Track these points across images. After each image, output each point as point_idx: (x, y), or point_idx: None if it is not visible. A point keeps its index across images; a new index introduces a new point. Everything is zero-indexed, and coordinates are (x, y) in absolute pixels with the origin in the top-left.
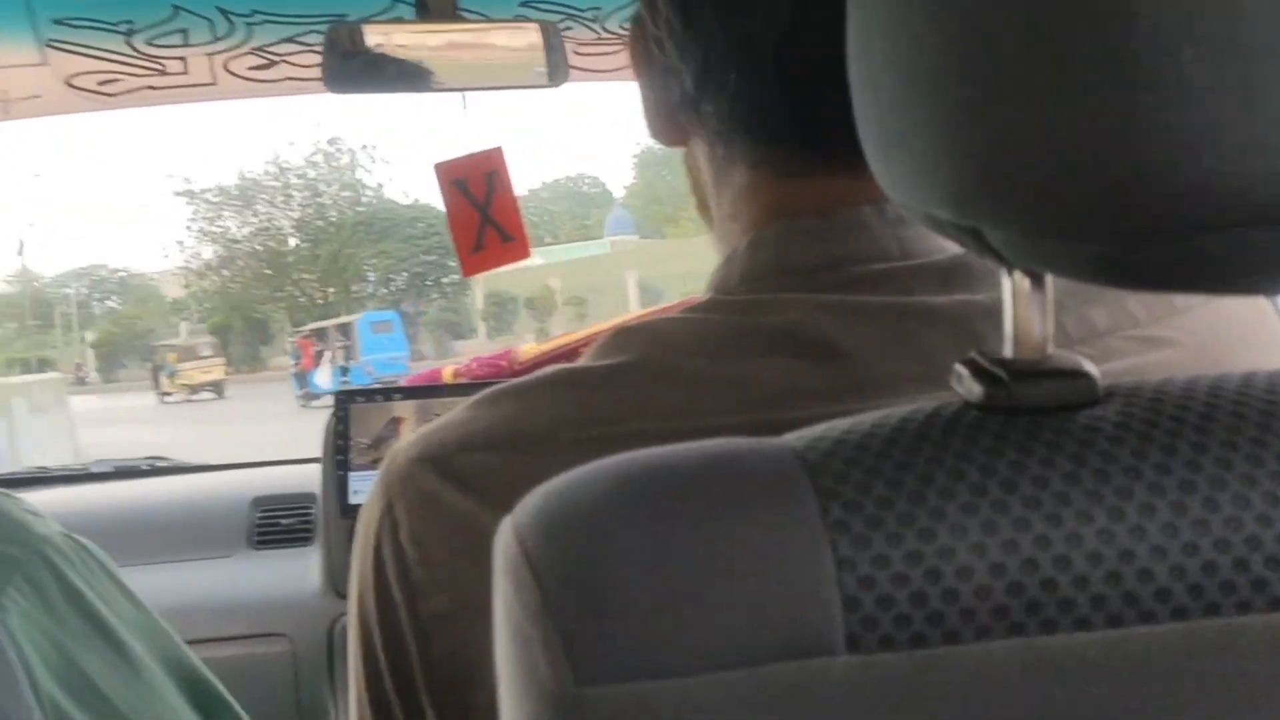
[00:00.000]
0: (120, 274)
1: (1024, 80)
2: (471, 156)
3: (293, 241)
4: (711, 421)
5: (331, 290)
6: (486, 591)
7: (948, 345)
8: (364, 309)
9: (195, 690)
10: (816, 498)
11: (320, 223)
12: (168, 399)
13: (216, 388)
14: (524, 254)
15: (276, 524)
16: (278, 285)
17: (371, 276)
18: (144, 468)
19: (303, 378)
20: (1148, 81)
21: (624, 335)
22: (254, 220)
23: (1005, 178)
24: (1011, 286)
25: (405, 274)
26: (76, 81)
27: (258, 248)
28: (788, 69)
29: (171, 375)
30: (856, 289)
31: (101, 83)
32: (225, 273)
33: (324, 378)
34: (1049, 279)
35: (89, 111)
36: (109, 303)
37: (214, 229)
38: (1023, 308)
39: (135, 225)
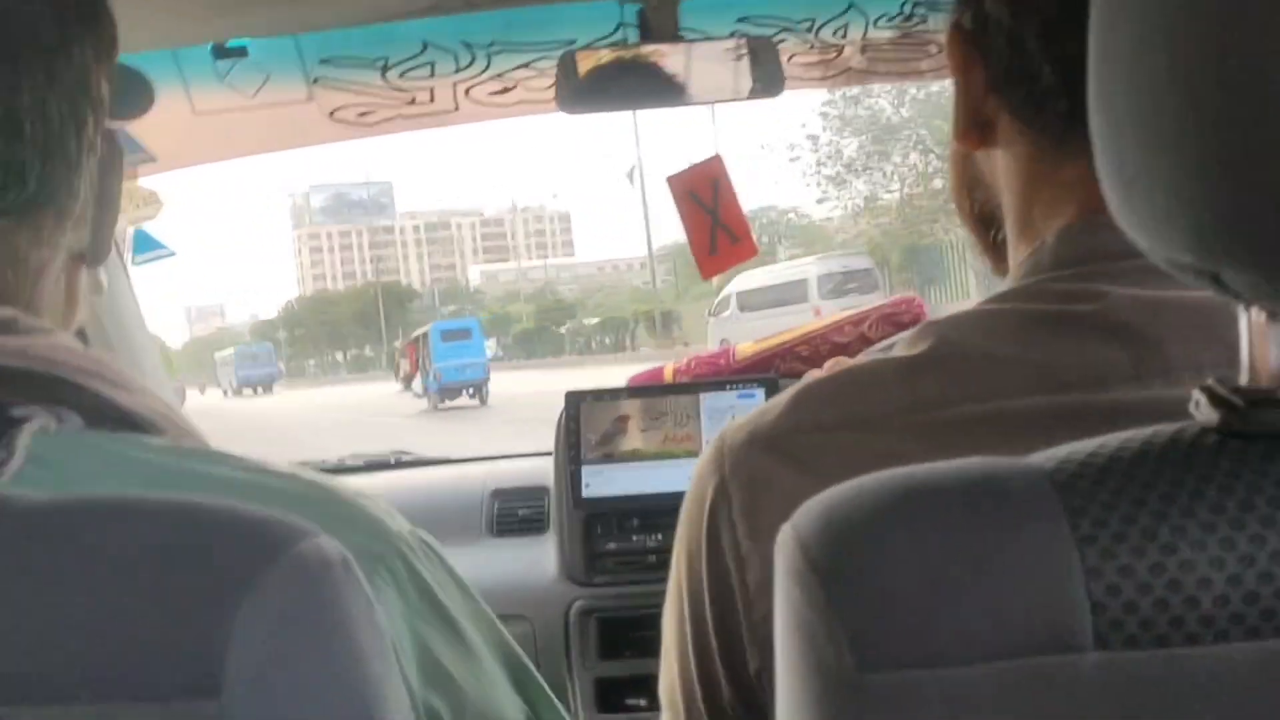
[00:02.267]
0: (789, 215)
1: (1260, 133)
2: (695, 167)
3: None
4: (1027, 403)
5: (942, 229)
6: None
7: None
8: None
9: (517, 674)
10: (1066, 514)
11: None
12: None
13: None
14: (752, 252)
15: (514, 514)
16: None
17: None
18: (391, 461)
19: (409, 380)
20: None
21: (937, 327)
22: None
23: (1245, 226)
24: (1248, 321)
25: None
26: (339, 114)
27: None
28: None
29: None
30: (1163, 275)
31: (360, 114)
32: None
33: (418, 382)
34: None
35: (346, 140)
36: (780, 246)
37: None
38: (1259, 340)
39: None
